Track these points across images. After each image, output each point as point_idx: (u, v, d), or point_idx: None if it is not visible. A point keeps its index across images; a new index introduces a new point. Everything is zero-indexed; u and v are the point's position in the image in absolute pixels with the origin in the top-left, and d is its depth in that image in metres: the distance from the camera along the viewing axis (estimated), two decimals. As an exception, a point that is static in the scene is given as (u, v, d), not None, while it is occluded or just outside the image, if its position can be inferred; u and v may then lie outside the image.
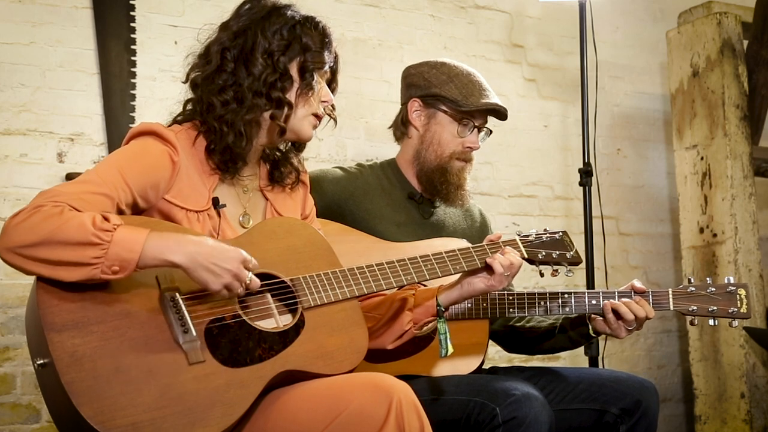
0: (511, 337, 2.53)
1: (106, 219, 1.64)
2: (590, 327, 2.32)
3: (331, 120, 2.06)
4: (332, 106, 2.03)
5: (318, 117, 1.97)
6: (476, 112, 2.47)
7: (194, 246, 1.67)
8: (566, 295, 2.30)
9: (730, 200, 3.95)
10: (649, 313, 2.23)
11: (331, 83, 2.02)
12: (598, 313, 2.29)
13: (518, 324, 2.50)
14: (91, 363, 1.59)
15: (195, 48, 1.97)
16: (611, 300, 2.24)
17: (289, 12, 1.93)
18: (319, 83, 1.95)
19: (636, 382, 2.31)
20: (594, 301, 2.28)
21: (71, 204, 1.66)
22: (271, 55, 1.89)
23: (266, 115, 1.90)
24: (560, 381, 2.33)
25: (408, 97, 2.53)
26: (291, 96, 1.91)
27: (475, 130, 2.49)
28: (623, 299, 2.24)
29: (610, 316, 2.23)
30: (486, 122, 2.52)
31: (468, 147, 2.49)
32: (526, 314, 2.34)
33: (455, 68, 2.50)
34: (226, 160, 1.90)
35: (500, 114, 2.50)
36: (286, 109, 1.90)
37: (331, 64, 1.98)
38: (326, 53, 1.95)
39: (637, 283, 2.28)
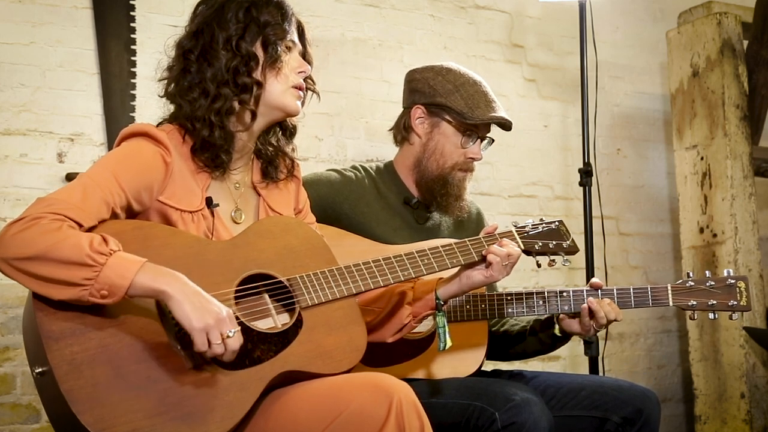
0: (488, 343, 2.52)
1: (104, 242, 1.63)
2: (556, 326, 2.32)
3: (315, 95, 2.02)
4: (311, 80, 2.00)
5: (299, 88, 1.94)
6: (481, 124, 2.44)
7: (187, 284, 1.65)
8: (564, 293, 2.29)
9: (730, 200, 3.95)
10: (618, 315, 2.25)
11: (305, 56, 1.99)
12: (567, 313, 2.30)
13: (493, 329, 2.49)
14: (89, 370, 1.59)
15: (165, 62, 1.96)
16: (591, 300, 2.25)
17: None
18: (287, 53, 1.92)
19: (638, 391, 2.31)
20: (592, 298, 2.28)
21: (70, 215, 1.65)
22: (230, 41, 1.87)
23: (236, 102, 1.88)
24: (562, 387, 2.33)
25: (411, 103, 2.49)
26: (257, 74, 1.89)
27: (479, 140, 2.46)
28: (595, 299, 2.25)
29: (587, 320, 2.25)
30: (489, 131, 2.49)
31: (470, 158, 2.46)
32: (525, 312, 2.33)
33: (461, 76, 2.46)
34: (211, 156, 1.88)
35: (505, 126, 2.48)
36: (254, 90, 1.88)
37: (295, 37, 1.96)
38: (286, 24, 1.92)
39: (595, 280, 2.31)
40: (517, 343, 2.46)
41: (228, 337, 1.64)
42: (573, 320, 2.29)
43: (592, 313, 2.24)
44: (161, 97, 1.94)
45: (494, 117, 2.43)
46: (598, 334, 2.55)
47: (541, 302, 2.30)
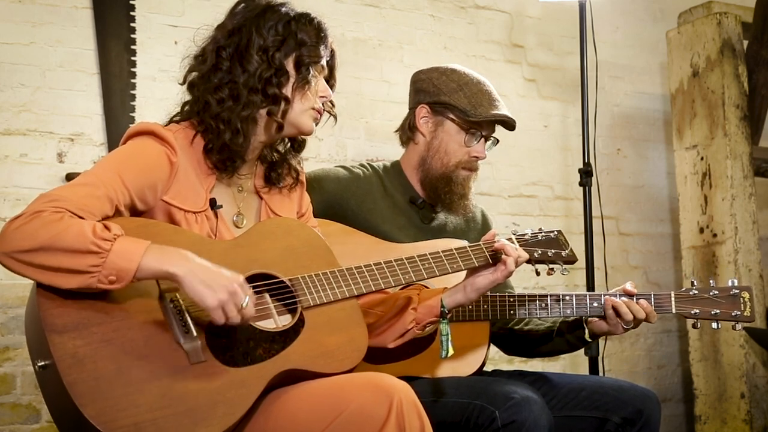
0: (510, 340, 2.52)
1: (107, 228, 1.63)
2: (586, 331, 2.32)
3: (331, 117, 2.04)
4: (331, 102, 2.01)
5: (318, 111, 1.96)
6: (484, 122, 2.45)
7: (194, 261, 1.66)
8: (567, 297, 2.29)
9: (730, 200, 3.95)
10: (650, 316, 2.24)
11: (330, 80, 2.01)
12: (595, 315, 2.29)
13: (516, 327, 2.50)
14: (92, 364, 1.59)
15: (192, 50, 1.96)
16: (612, 297, 2.25)
17: (283, 9, 1.92)
18: (316, 78, 1.94)
19: (639, 391, 2.31)
20: (595, 303, 2.28)
21: (71, 209, 1.65)
22: (266, 51, 1.87)
23: (263, 111, 1.89)
24: (562, 387, 2.33)
25: (416, 103, 2.50)
26: (287, 91, 1.90)
27: (482, 139, 2.47)
28: (623, 298, 2.24)
29: (610, 312, 2.24)
30: (493, 131, 2.50)
31: (474, 156, 2.47)
32: (526, 316, 2.34)
33: (465, 76, 2.47)
34: (224, 159, 1.89)
35: (508, 125, 2.48)
36: (282, 104, 1.89)
37: (328, 58, 1.97)
38: (322, 47, 1.93)
39: (629, 286, 2.28)
40: (544, 343, 2.45)
41: (243, 308, 1.67)
42: (601, 321, 2.29)
43: (617, 311, 2.23)
44: (181, 84, 1.94)
45: (497, 115, 2.44)
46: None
47: (542, 305, 2.30)
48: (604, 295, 2.28)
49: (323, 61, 1.95)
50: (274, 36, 1.88)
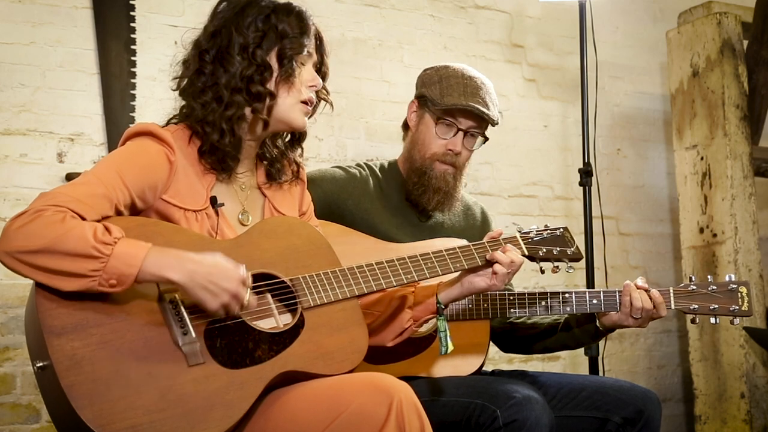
0: (510, 335, 2.51)
1: (107, 230, 1.63)
2: (597, 321, 2.32)
3: (327, 105, 2.02)
4: (325, 90, 2.00)
5: (308, 103, 1.94)
6: (457, 112, 2.41)
7: (194, 264, 1.67)
8: (567, 294, 2.29)
9: (730, 200, 3.95)
10: (659, 308, 2.24)
11: (321, 67, 1.99)
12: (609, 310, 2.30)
13: (519, 320, 2.49)
14: (90, 366, 1.59)
15: (181, 54, 1.96)
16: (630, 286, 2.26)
17: (263, 2, 1.91)
18: (301, 68, 1.92)
19: (639, 391, 2.31)
20: (595, 301, 2.28)
21: (73, 209, 1.65)
22: (246, 49, 1.87)
23: (248, 110, 1.89)
24: (563, 387, 2.33)
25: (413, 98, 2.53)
26: (271, 85, 1.89)
27: (460, 133, 2.43)
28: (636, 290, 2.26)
29: (627, 299, 2.24)
30: (476, 126, 2.45)
31: (450, 150, 2.43)
32: (526, 314, 2.33)
33: (454, 72, 2.45)
34: (217, 160, 1.89)
35: (484, 119, 2.43)
36: (267, 101, 1.88)
37: (312, 48, 1.95)
38: (305, 38, 1.91)
39: (640, 281, 2.28)
40: (547, 337, 2.44)
41: (245, 305, 1.71)
42: (611, 312, 2.29)
43: (631, 300, 2.24)
44: (174, 90, 1.95)
45: (461, 104, 2.39)
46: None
47: (542, 303, 2.31)
48: (604, 292, 2.28)
49: (306, 51, 1.93)
50: (254, 32, 1.87)
